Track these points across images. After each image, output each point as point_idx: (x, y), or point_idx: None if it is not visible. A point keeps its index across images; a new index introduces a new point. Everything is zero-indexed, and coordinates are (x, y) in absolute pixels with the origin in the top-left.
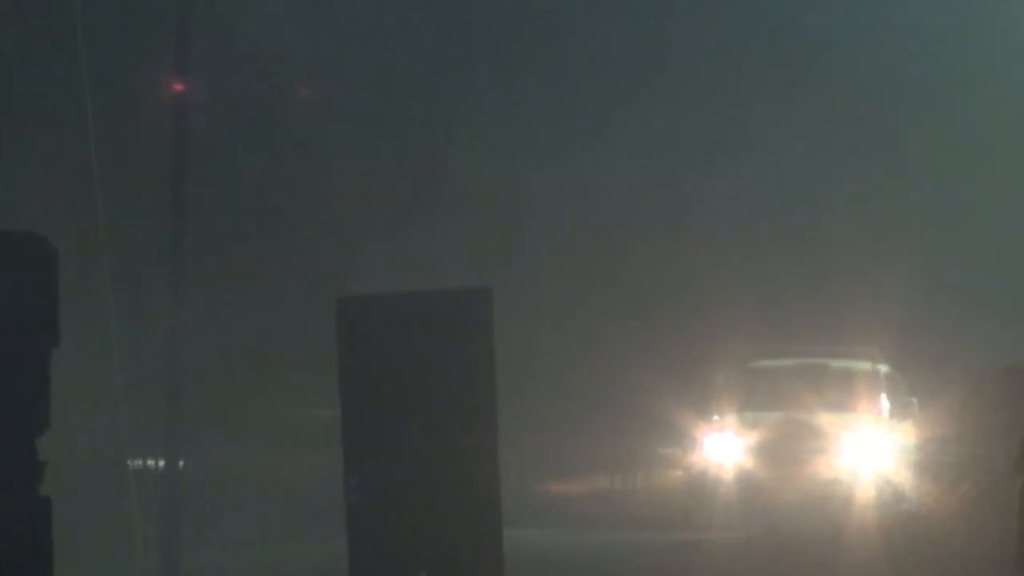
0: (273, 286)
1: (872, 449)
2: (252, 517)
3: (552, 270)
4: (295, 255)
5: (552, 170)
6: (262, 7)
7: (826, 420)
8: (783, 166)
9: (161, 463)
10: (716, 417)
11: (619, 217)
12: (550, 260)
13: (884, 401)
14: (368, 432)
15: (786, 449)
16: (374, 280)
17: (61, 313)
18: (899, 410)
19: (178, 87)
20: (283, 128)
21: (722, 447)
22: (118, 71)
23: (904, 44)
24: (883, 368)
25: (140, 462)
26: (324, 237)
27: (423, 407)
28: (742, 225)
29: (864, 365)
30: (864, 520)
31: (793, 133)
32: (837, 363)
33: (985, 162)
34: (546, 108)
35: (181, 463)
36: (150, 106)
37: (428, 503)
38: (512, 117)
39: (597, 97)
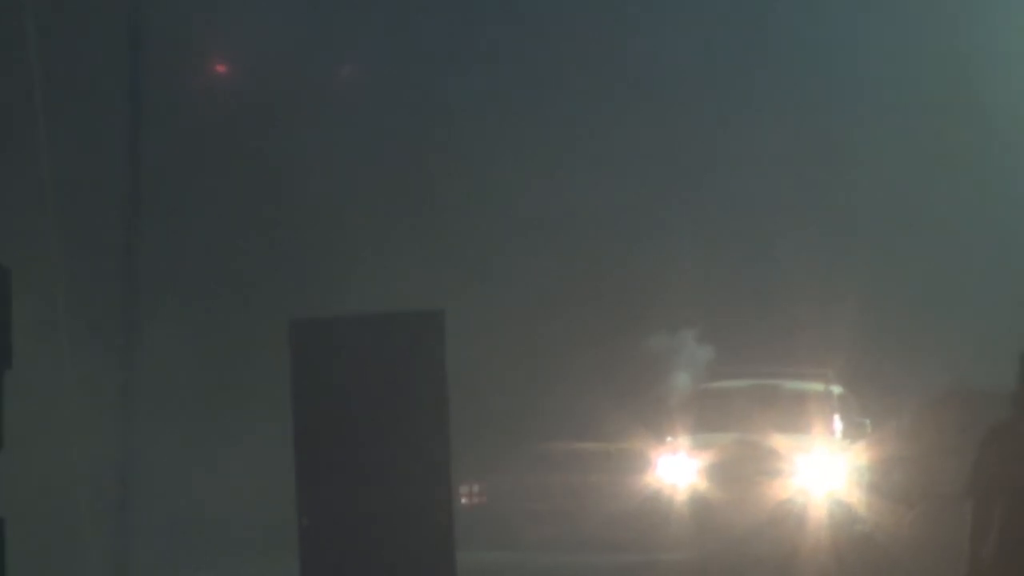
0: (230, 308)
1: (825, 470)
2: (207, 538)
3: (506, 292)
4: (253, 277)
5: (505, 192)
6: (219, 27)
7: (779, 441)
8: (735, 187)
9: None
10: (670, 438)
11: (574, 239)
12: (505, 281)
13: (837, 422)
14: (320, 454)
15: (739, 470)
16: (331, 302)
17: (15, 333)
18: (852, 431)
19: (134, 104)
20: (244, 150)
21: (676, 468)
22: (73, 89)
23: (856, 70)
24: (836, 389)
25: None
26: (282, 258)
27: (375, 429)
28: (696, 245)
29: (817, 386)
30: (817, 541)
31: (746, 156)
32: (790, 384)
33: (937, 185)
34: (509, 125)
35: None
36: (105, 125)
37: (380, 525)
38: (472, 137)
39: (556, 116)
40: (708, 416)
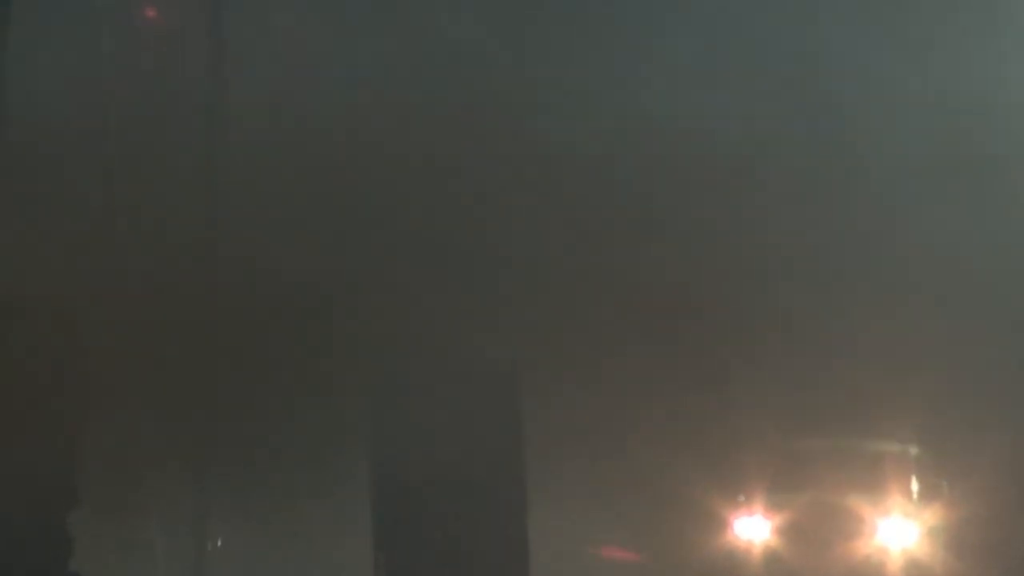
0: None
1: (901, 531)
2: None
3: (574, 343)
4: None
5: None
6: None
7: (855, 502)
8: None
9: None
10: (742, 498)
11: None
12: (575, 334)
13: (914, 482)
14: (397, 508)
15: (814, 531)
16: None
17: None
18: (929, 492)
19: None
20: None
21: (751, 528)
22: None
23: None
24: (913, 449)
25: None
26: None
27: (451, 481)
28: (770, 303)
29: (893, 446)
30: None
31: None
32: (866, 443)
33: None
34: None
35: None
36: None
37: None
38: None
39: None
40: (782, 475)
